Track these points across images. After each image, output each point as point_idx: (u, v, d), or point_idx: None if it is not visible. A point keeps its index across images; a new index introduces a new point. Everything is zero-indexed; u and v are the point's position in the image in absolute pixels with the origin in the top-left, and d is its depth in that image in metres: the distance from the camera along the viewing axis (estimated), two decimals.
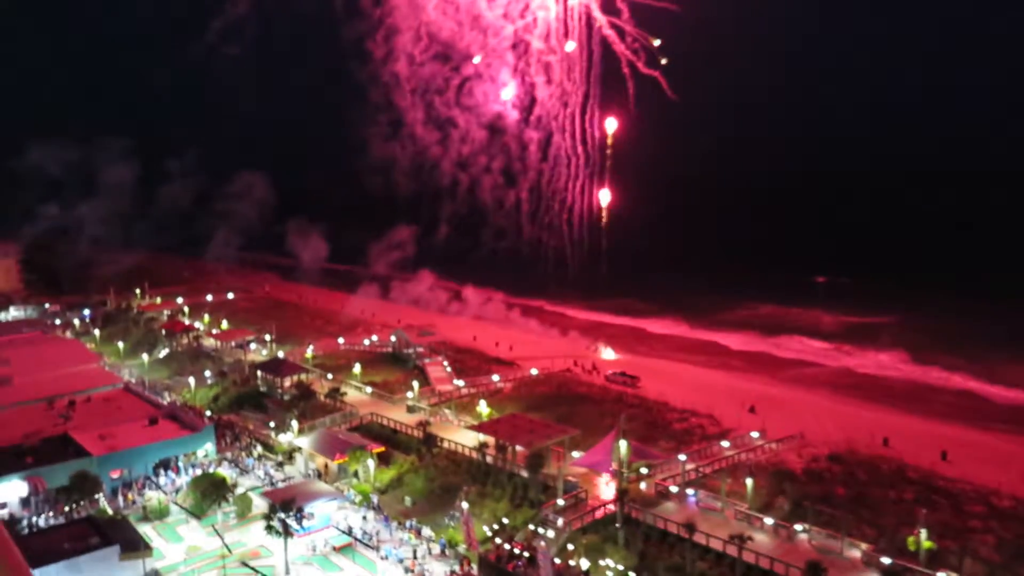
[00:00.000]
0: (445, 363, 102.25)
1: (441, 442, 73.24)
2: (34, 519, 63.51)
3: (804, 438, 72.60)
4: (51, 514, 64.29)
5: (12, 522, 61.23)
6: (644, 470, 64.09)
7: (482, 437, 71.15)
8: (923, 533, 49.01)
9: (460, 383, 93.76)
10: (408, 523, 60.78)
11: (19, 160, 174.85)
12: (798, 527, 53.09)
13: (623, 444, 62.73)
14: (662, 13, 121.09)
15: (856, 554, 49.93)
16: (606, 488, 62.37)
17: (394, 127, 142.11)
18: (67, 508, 64.39)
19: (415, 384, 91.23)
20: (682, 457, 64.67)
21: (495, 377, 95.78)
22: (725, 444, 70.65)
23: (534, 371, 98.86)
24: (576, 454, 67.54)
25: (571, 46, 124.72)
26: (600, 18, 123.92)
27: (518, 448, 67.65)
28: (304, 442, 76.52)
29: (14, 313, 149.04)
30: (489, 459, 68.11)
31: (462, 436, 74.76)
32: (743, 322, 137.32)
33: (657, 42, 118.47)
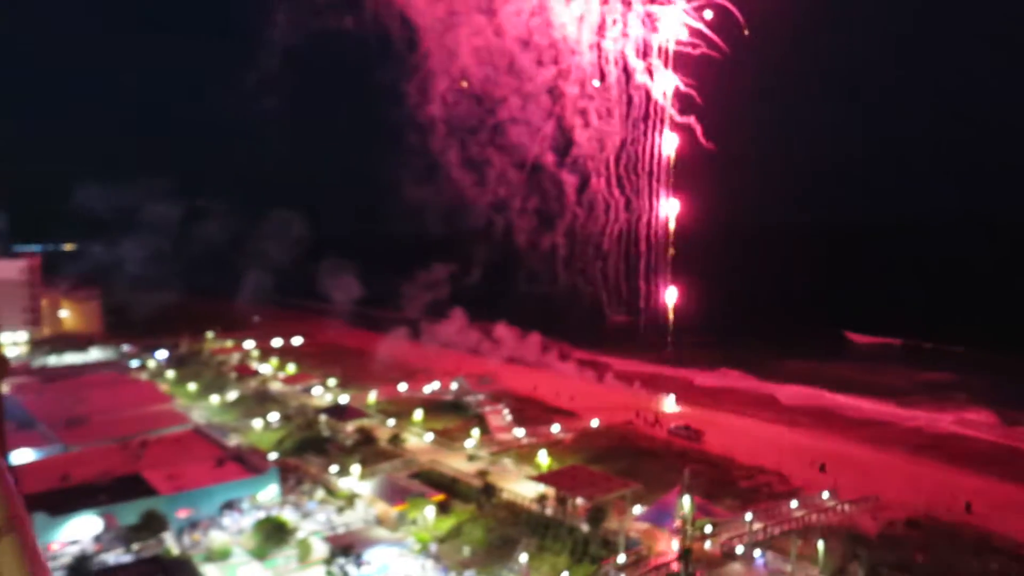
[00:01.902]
0: (505, 412, 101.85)
1: (500, 492, 72.57)
2: (104, 556, 65.11)
3: (879, 500, 69.34)
4: (121, 551, 65.82)
5: (84, 559, 62.88)
6: (709, 528, 62.10)
7: (542, 488, 70.23)
8: None
9: (520, 432, 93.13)
10: (466, 574, 60.02)
11: (67, 202, 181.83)
12: None
13: (687, 500, 61.05)
14: (701, 59, 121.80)
15: None
16: (669, 546, 60.55)
17: (428, 169, 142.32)
18: (136, 546, 65.86)
19: (475, 432, 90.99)
20: (749, 516, 62.47)
21: (555, 427, 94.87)
22: (794, 504, 68.01)
23: (595, 423, 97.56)
24: (638, 509, 65.98)
25: (596, 83, 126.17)
26: (636, 63, 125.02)
27: (579, 501, 66.51)
28: (365, 488, 76.82)
29: (95, 354, 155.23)
30: (549, 511, 67.08)
31: (522, 486, 73.97)
32: (799, 376, 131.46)
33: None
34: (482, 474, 76.14)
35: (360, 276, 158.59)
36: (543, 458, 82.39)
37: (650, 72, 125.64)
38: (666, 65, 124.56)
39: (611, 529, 61.57)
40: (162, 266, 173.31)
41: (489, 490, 72.64)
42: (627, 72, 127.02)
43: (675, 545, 59.74)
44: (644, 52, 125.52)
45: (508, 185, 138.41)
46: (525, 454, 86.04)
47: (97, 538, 66.64)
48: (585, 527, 62.80)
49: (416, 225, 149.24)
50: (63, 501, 68.61)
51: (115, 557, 64.79)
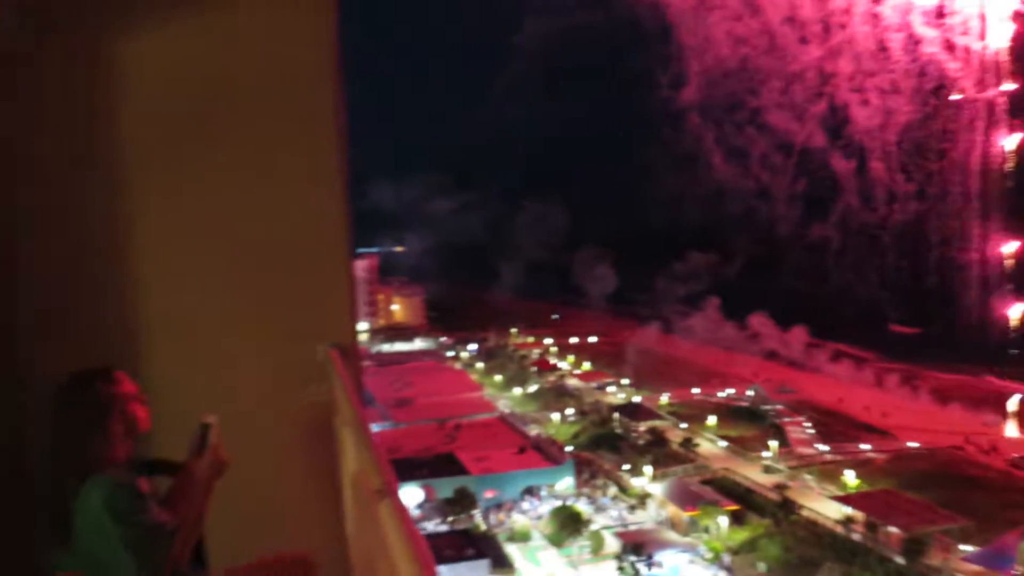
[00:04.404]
0: (806, 424, 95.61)
1: (800, 509, 68.39)
2: (425, 524, 73.58)
3: None
4: (438, 521, 73.80)
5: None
6: None
7: (848, 510, 64.89)
8: None
9: (823, 448, 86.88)
10: None
11: (362, 200, 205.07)
12: None
13: None
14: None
15: None
16: None
17: (684, 158, 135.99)
18: (449, 519, 73.42)
19: (772, 444, 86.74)
20: None
21: (865, 446, 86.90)
22: None
23: (914, 444, 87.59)
24: (967, 548, 58.03)
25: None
26: (925, 33, 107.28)
27: (891, 529, 60.33)
28: (656, 489, 77.20)
29: (419, 344, 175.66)
30: (856, 536, 61.78)
31: (824, 506, 69.00)
32: None
33: None
34: (780, 488, 72.42)
35: (617, 269, 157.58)
36: (851, 478, 75.98)
37: (946, 40, 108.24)
38: (965, 31, 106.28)
39: (932, 566, 54.98)
40: (461, 263, 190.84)
41: (788, 505, 68.86)
42: (914, 41, 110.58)
43: None
44: (937, 16, 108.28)
45: (771, 171, 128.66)
46: (828, 471, 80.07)
47: (419, 507, 75.40)
48: (900, 560, 56.79)
49: (672, 215, 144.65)
50: (395, 471, 78.63)
51: (433, 526, 72.86)
